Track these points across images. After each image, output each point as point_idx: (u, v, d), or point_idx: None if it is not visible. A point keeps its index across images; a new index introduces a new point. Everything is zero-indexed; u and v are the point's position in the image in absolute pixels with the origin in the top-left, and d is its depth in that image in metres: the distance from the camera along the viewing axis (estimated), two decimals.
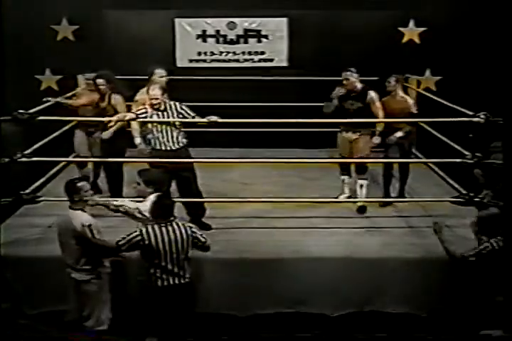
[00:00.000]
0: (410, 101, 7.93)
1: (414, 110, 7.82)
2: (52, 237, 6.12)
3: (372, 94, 7.59)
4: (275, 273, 6.50)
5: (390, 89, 7.90)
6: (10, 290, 6.36)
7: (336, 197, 7.86)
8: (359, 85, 7.65)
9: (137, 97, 7.64)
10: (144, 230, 5.57)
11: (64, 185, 5.94)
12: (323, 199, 7.82)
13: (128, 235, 5.58)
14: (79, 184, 5.85)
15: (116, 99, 7.60)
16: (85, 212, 5.82)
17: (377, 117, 7.56)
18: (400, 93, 7.96)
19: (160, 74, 7.67)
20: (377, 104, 7.57)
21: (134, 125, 7.42)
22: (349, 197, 7.89)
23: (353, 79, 7.61)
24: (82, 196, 5.79)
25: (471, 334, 6.01)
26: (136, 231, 5.59)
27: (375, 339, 6.42)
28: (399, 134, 7.70)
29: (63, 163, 8.45)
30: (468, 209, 7.32)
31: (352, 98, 7.61)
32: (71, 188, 5.84)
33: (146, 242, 5.54)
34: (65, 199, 5.95)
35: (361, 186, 7.71)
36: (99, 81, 7.62)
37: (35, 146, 7.43)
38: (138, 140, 7.47)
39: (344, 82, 7.64)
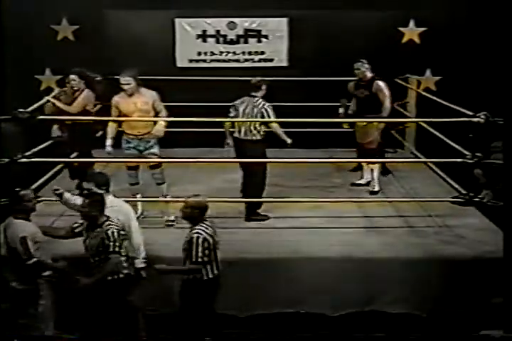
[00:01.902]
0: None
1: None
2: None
3: (379, 83, 8.21)
4: (275, 273, 6.50)
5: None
6: (10, 290, 6.35)
7: (354, 182, 8.53)
8: (369, 75, 8.27)
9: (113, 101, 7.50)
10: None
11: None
12: (324, 199, 7.83)
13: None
14: (21, 192, 5.76)
15: (85, 95, 7.58)
16: (29, 221, 5.71)
17: (383, 104, 8.10)
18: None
19: (125, 81, 7.23)
20: (385, 92, 8.16)
21: (113, 126, 7.40)
22: (368, 182, 8.39)
23: (364, 69, 8.24)
24: (24, 205, 5.71)
25: (471, 335, 6.02)
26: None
27: (375, 339, 6.42)
28: None
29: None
30: (469, 209, 7.34)
31: (362, 86, 8.27)
32: (14, 197, 5.74)
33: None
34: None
35: (372, 170, 8.31)
36: (71, 77, 7.62)
37: (36, 149, 7.45)
38: (109, 142, 7.33)
39: (355, 71, 8.26)
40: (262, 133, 7.40)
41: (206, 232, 5.62)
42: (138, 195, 7.50)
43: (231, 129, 7.55)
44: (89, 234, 5.72)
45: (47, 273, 5.75)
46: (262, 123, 7.35)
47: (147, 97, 7.27)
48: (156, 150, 7.38)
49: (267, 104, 7.36)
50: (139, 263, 5.98)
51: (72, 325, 5.94)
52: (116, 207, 5.96)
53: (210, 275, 5.68)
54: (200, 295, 5.66)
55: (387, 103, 8.15)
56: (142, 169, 7.53)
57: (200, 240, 5.56)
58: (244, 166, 7.44)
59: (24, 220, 5.68)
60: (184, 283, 5.72)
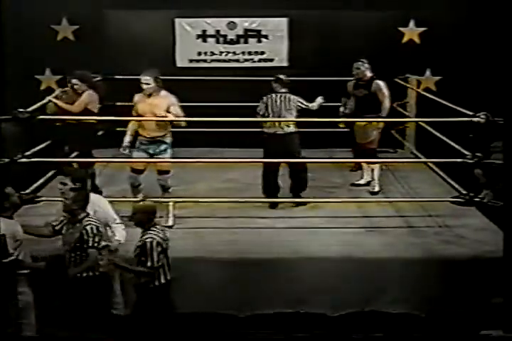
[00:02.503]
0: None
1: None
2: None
3: (379, 82, 8.27)
4: (275, 273, 6.50)
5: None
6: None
7: (354, 182, 8.52)
8: (368, 74, 8.32)
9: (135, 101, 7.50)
10: None
11: None
12: (324, 200, 7.83)
13: None
14: (7, 190, 5.72)
15: (88, 95, 7.57)
16: (12, 219, 5.67)
17: (382, 104, 8.17)
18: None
19: (144, 80, 7.16)
20: (384, 92, 8.22)
21: (133, 125, 7.35)
22: (368, 182, 8.40)
23: (363, 68, 8.30)
24: (11, 202, 5.68)
25: (471, 334, 6.01)
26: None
27: (375, 339, 6.41)
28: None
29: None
30: (469, 209, 7.34)
31: (361, 86, 8.32)
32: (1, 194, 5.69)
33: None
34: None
35: (372, 170, 8.31)
36: (73, 81, 7.63)
37: (36, 149, 7.45)
38: (128, 138, 7.30)
39: (355, 71, 8.33)
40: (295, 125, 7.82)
41: (159, 236, 5.57)
42: (140, 196, 7.48)
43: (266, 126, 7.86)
44: (68, 228, 5.70)
45: (24, 271, 5.70)
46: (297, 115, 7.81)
47: (163, 100, 7.14)
48: (167, 154, 7.28)
49: (293, 96, 7.83)
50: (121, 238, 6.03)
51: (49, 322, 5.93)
52: (93, 200, 5.94)
53: (163, 281, 5.61)
54: (152, 300, 5.59)
55: (387, 103, 8.20)
56: (148, 171, 7.48)
57: (154, 244, 5.49)
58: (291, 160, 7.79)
59: (7, 218, 5.65)
60: (137, 288, 5.66)
